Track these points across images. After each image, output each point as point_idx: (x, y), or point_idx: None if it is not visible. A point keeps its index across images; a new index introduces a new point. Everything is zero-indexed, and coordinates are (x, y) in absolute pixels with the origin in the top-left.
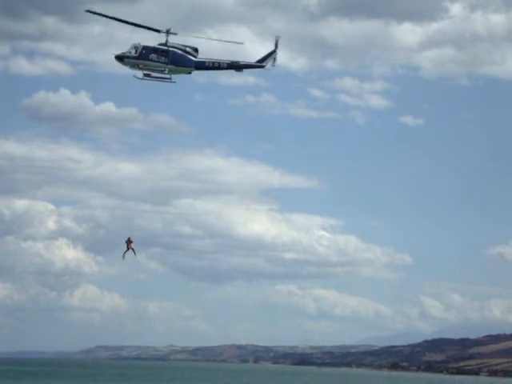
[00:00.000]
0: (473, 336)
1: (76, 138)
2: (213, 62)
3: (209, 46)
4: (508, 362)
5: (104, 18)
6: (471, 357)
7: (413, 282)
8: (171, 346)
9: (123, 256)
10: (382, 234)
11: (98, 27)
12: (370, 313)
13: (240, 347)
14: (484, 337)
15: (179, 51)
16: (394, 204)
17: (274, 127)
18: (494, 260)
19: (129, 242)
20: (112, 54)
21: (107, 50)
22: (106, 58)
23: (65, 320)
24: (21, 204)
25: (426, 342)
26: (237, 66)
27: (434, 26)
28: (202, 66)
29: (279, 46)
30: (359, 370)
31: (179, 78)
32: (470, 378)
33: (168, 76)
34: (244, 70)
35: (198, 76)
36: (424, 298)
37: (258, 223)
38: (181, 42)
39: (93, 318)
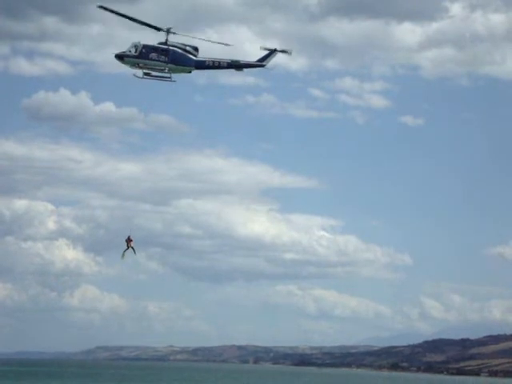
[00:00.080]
0: (473, 336)
1: (76, 138)
2: (213, 61)
3: (209, 45)
4: (508, 363)
5: (104, 18)
6: (471, 357)
7: (413, 282)
8: (171, 346)
9: (122, 255)
10: (381, 234)
11: (97, 27)
12: (369, 313)
13: (240, 348)
14: (484, 337)
15: (179, 50)
16: (393, 204)
17: (273, 127)
18: (494, 260)
19: (129, 240)
20: (112, 53)
21: (107, 50)
22: (105, 58)
23: (65, 320)
24: (21, 204)
25: (426, 342)
26: (237, 66)
27: (434, 25)
28: (202, 65)
29: (279, 47)
30: (359, 370)
31: (179, 78)
32: (471, 379)
33: (168, 75)
34: (244, 69)
35: (198, 76)
36: (424, 298)
37: (258, 223)
38: (180, 41)
39: (93, 319)
